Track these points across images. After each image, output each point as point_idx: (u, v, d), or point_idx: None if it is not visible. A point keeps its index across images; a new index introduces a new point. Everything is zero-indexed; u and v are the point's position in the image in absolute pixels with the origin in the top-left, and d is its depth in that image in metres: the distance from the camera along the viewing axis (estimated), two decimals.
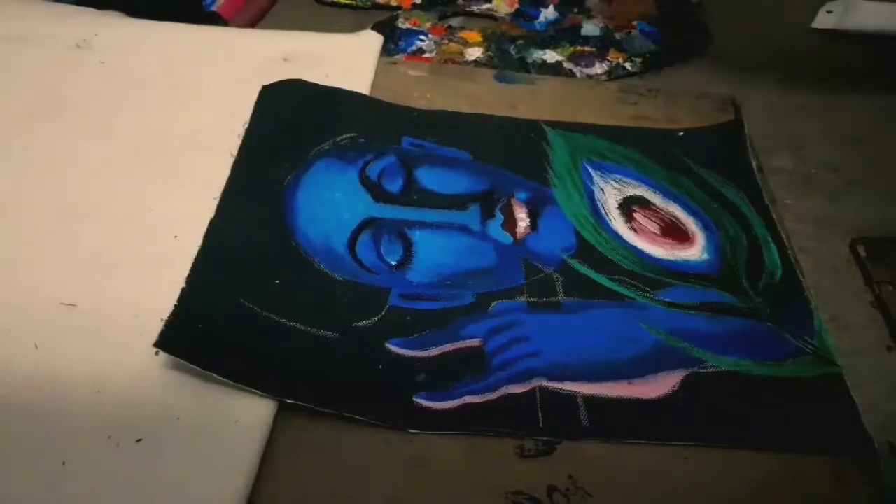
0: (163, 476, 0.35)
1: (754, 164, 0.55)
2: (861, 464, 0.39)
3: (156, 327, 0.40)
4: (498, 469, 0.38)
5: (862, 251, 0.50)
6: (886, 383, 0.43)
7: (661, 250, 0.49)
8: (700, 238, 0.50)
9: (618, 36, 0.68)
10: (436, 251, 0.47)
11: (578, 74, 0.64)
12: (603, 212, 0.51)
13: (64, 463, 0.35)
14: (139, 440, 0.36)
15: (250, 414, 0.38)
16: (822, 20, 0.72)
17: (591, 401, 0.40)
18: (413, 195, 0.51)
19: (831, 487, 0.38)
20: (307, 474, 0.37)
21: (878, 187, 0.55)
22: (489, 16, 0.71)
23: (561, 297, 0.46)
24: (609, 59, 0.65)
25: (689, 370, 0.42)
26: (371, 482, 0.37)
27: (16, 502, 0.34)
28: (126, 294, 0.43)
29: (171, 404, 0.38)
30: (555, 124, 0.57)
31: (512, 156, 0.54)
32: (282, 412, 0.39)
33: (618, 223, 0.50)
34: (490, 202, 0.51)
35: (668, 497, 0.38)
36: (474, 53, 0.65)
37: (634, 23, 0.69)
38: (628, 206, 0.52)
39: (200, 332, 0.40)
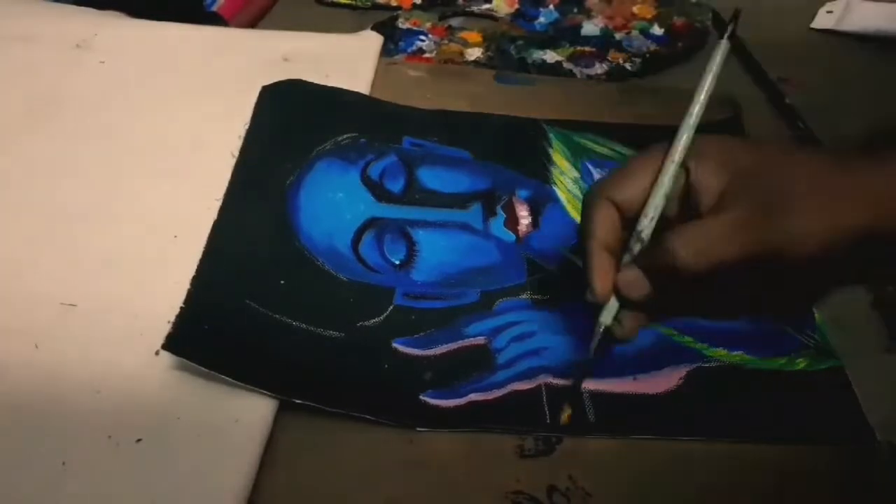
0: (163, 476, 0.35)
1: None
2: (861, 463, 0.39)
3: (156, 327, 0.40)
4: (498, 469, 0.38)
5: None
6: (886, 383, 0.43)
7: None
8: None
9: (618, 36, 0.68)
10: (439, 250, 0.47)
11: (578, 74, 0.64)
12: None
13: (64, 463, 0.35)
14: (139, 440, 0.36)
15: (250, 414, 0.38)
16: (822, 20, 0.72)
17: (597, 396, 0.41)
18: (415, 194, 0.51)
19: (832, 488, 0.38)
20: (307, 474, 0.37)
21: None
22: (489, 16, 0.71)
23: (564, 294, 0.46)
24: (609, 59, 0.65)
25: (693, 365, 0.43)
26: (371, 482, 0.37)
27: (16, 502, 0.34)
28: (126, 294, 0.43)
29: (171, 404, 0.38)
30: (554, 122, 0.57)
31: (512, 154, 0.54)
32: (282, 412, 0.39)
33: None
34: (491, 200, 0.51)
35: (668, 497, 0.38)
36: (474, 53, 0.65)
37: (634, 23, 0.69)
38: None
39: (207, 334, 0.40)
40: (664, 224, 0.35)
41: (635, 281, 0.35)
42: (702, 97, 0.35)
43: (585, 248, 0.36)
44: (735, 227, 0.32)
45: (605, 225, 0.35)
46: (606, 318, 0.36)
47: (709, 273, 0.32)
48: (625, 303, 0.36)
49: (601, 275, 0.35)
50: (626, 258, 0.35)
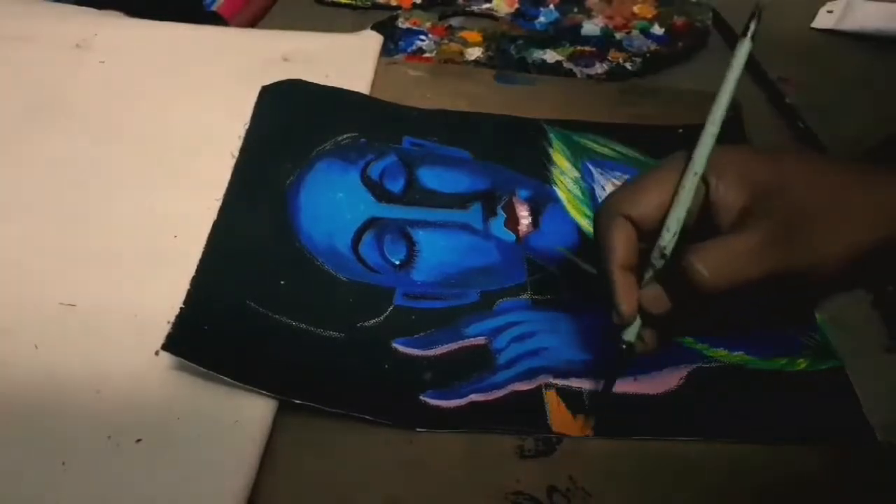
0: (163, 476, 0.35)
1: None
2: (861, 463, 0.39)
3: (156, 327, 0.40)
4: (498, 469, 0.38)
5: None
6: (886, 384, 0.43)
7: None
8: None
9: (618, 36, 0.68)
10: (439, 250, 0.47)
11: (578, 74, 0.64)
12: None
13: (64, 463, 0.35)
14: (139, 440, 0.36)
15: (250, 414, 0.38)
16: (822, 20, 0.72)
17: (597, 397, 0.41)
18: (415, 195, 0.51)
19: (832, 489, 0.38)
20: (307, 474, 0.37)
21: None
22: (489, 16, 0.71)
23: (564, 294, 0.46)
24: (609, 59, 0.65)
25: (694, 365, 0.43)
26: (371, 482, 0.37)
27: (16, 502, 0.34)
28: (126, 294, 0.43)
29: (171, 404, 0.38)
30: (554, 122, 0.57)
31: (512, 154, 0.54)
32: (282, 412, 0.38)
33: None
34: (491, 200, 0.51)
35: (668, 497, 0.38)
36: (474, 53, 0.65)
37: (634, 23, 0.69)
38: None
39: (207, 334, 0.40)
40: (682, 235, 0.35)
41: (658, 298, 0.35)
42: (724, 103, 0.34)
43: (607, 269, 0.35)
44: (758, 247, 0.32)
45: (624, 243, 0.35)
46: (631, 335, 0.36)
47: (729, 291, 0.32)
48: (646, 319, 0.36)
49: (627, 296, 0.35)
50: (649, 274, 0.35)
